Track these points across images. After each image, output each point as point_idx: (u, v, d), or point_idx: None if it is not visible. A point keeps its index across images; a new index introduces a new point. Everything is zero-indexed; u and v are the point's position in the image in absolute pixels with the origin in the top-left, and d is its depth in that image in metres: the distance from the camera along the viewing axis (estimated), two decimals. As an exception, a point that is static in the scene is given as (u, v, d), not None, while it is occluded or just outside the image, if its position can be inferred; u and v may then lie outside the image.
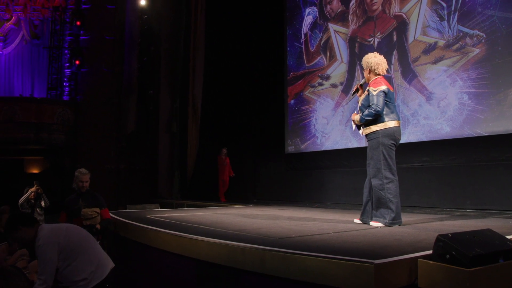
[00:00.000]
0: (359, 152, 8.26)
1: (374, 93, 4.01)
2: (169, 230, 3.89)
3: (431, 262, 2.28)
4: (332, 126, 8.95)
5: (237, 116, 11.21)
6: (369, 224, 4.09)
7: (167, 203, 10.40)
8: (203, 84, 11.95)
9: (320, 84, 9.30)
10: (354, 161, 8.44)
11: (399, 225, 3.99)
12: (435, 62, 7.01)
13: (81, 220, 4.65)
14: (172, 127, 12.45)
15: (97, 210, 4.78)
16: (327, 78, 9.14)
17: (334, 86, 8.99)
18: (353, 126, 4.37)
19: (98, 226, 4.63)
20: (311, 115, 9.45)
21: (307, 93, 9.61)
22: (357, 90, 4.39)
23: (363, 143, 8.18)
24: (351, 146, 8.48)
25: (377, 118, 4.02)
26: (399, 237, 3.25)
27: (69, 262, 2.71)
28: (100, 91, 11.92)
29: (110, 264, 2.91)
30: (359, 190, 8.28)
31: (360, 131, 4.30)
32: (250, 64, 10.96)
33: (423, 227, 3.89)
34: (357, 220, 4.27)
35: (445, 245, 2.30)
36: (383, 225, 3.98)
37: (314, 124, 9.36)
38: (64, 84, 11.93)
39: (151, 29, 12.20)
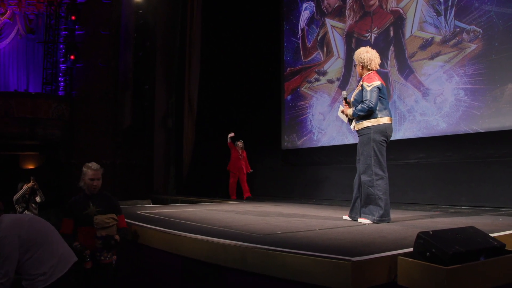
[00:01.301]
0: (356, 148, 8.23)
1: (368, 88, 3.99)
2: (156, 226, 3.90)
3: (410, 259, 2.27)
4: (328, 122, 8.93)
5: (234, 111, 11.19)
6: (357, 220, 4.08)
7: (162, 199, 10.40)
8: (199, 80, 11.92)
9: (317, 80, 9.28)
10: (351, 157, 8.34)
11: (387, 222, 3.96)
12: (432, 57, 6.98)
13: (92, 230, 3.58)
14: (168, 122, 12.44)
15: (114, 216, 3.69)
16: (324, 73, 9.12)
17: (330, 81, 8.96)
18: (344, 118, 4.34)
19: (117, 237, 3.62)
20: (308, 111, 9.43)
21: (303, 88, 9.59)
22: (345, 99, 4.38)
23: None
24: (347, 142, 8.46)
25: (369, 113, 4.00)
26: (385, 234, 3.25)
27: (30, 254, 2.68)
28: (95, 86, 11.91)
29: (73, 258, 2.90)
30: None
31: (351, 126, 4.29)
32: (246, 60, 10.93)
33: (412, 224, 3.88)
34: (346, 217, 4.26)
35: (426, 243, 2.29)
36: (371, 222, 3.98)
37: (311, 120, 9.34)
38: (59, 79, 11.92)
39: (147, 24, 12.18)
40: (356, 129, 4.19)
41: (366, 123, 4.04)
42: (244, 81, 11.00)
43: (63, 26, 11.79)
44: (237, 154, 9.01)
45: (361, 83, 4.13)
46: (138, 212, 5.47)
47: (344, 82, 8.66)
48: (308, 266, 2.33)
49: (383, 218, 3.95)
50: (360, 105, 4.03)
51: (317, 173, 9.04)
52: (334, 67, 8.92)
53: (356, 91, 4.20)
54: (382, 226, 3.79)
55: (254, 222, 4.24)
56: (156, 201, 9.28)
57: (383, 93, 4.06)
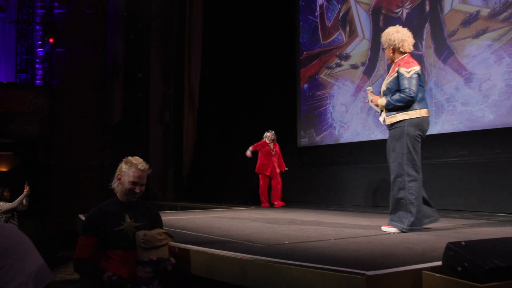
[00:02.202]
0: (384, 145, 8.20)
1: (407, 74, 3.98)
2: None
3: (437, 275, 2.24)
4: (352, 114, 8.89)
5: (242, 104, 11.22)
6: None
7: (158, 206, 10.47)
8: (201, 67, 11.97)
9: (338, 65, 9.26)
10: (379, 156, 8.34)
11: (418, 231, 3.94)
12: (477, 35, 6.90)
13: (129, 253, 2.96)
14: (165, 116, 12.54)
15: (164, 231, 3.06)
16: (347, 57, 9.10)
17: (354, 67, 8.93)
18: (376, 108, 4.34)
19: (173, 260, 3.03)
20: (328, 101, 9.41)
21: (323, 75, 9.57)
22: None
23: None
24: (374, 138, 8.42)
25: (408, 105, 4.02)
26: (411, 245, 3.23)
27: None
28: (79, 75, 12.03)
29: (50, 277, 2.91)
30: (384, 190, 8.37)
31: (381, 118, 4.29)
32: (256, 43, 10.95)
33: (447, 234, 3.85)
34: (388, 229, 4.18)
35: (457, 255, 2.25)
36: (399, 231, 3.95)
37: (331, 112, 9.33)
38: (36, 66, 12.04)
39: (139, 2, 12.26)
40: (387, 122, 4.18)
41: (401, 116, 4.04)
42: (253, 69, 11.02)
43: (40, 4, 11.85)
44: (267, 149, 8.65)
45: (396, 68, 4.11)
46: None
47: (370, 67, 8.62)
48: (315, 281, 2.33)
49: (414, 226, 3.93)
50: (398, 94, 4.02)
51: (339, 175, 9.02)
52: (358, 49, 8.89)
53: (389, 79, 4.19)
54: (410, 235, 3.77)
55: (260, 230, 4.28)
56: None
57: (421, 80, 4.07)
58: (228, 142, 11.31)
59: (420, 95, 4.04)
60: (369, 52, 8.67)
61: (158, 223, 3.20)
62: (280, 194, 8.49)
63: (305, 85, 9.95)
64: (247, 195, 10.91)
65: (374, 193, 8.24)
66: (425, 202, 4.16)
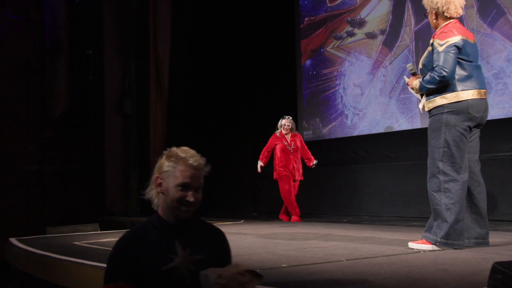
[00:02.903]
0: (413, 137, 8.24)
1: (440, 48, 4.06)
2: (100, 263, 3.93)
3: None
4: (369, 98, 8.90)
5: (225, 89, 11.19)
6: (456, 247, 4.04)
7: (118, 222, 10.47)
8: (171, 40, 11.92)
9: (350, 35, 9.26)
10: (404, 152, 8.40)
11: (458, 248, 3.98)
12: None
13: None
14: (125, 106, 12.46)
15: (245, 268, 2.38)
16: (361, 24, 9.11)
17: (371, 36, 8.95)
18: (416, 94, 4.41)
19: None
20: (337, 82, 9.42)
21: (330, 48, 9.57)
22: (414, 74, 4.43)
23: (419, 123, 8.16)
24: (398, 128, 8.45)
25: (444, 86, 4.08)
26: (447, 266, 3.26)
27: None
28: (6, 52, 11.90)
29: None
30: (414, 195, 8.38)
31: (420, 105, 4.39)
32: (242, 8, 10.92)
33: (494, 252, 3.88)
34: (418, 245, 4.18)
35: (507, 279, 2.26)
36: (431, 249, 3.97)
37: (342, 96, 9.34)
38: None
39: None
40: (426, 109, 4.27)
41: (440, 100, 4.12)
42: (239, 42, 11.00)
43: None
44: (282, 144, 8.30)
45: (431, 41, 4.20)
46: (77, 243, 5.51)
47: (392, 36, 8.65)
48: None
49: (449, 240, 3.97)
50: (429, 74, 4.10)
51: (353, 177, 9.04)
52: (376, 13, 8.91)
53: (425, 54, 4.28)
54: (445, 254, 3.79)
55: (251, 251, 4.29)
56: (109, 225, 9.32)
57: (466, 54, 4.12)
58: (209, 138, 11.29)
59: (463, 72, 4.09)
60: (390, 16, 8.69)
61: (226, 254, 2.58)
62: (295, 203, 8.30)
63: (307, 62, 9.95)
64: (235, 206, 10.89)
65: (400, 200, 8.26)
66: (477, 216, 4.18)
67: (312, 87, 9.83)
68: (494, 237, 4.49)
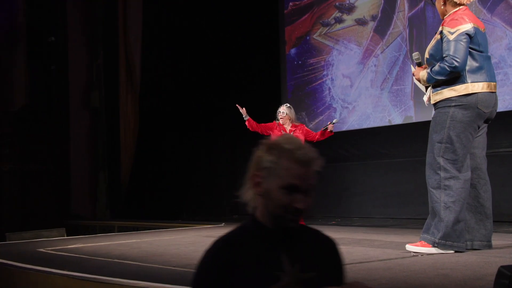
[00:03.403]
0: (407, 133, 8.28)
1: (451, 36, 4.08)
2: (69, 271, 3.93)
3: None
4: (359, 90, 8.93)
5: (203, 81, 11.15)
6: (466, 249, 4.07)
7: (85, 227, 10.43)
8: (143, 28, 11.86)
9: (339, 21, 9.27)
10: (398, 148, 8.43)
11: (458, 250, 4.01)
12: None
13: None
14: (92, 99, 12.39)
15: None
16: (350, 9, 9.13)
17: (361, 23, 8.97)
18: (421, 87, 4.43)
19: None
20: (324, 72, 9.43)
21: (316, 36, 9.58)
22: (420, 64, 4.44)
23: (413, 117, 8.20)
24: (391, 123, 8.49)
25: (454, 77, 4.10)
26: (448, 271, 3.26)
27: None
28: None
29: None
30: (408, 195, 8.41)
31: (425, 98, 4.40)
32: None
33: (498, 255, 3.90)
34: (416, 248, 4.19)
35: (513, 283, 2.28)
36: (430, 248, 3.99)
37: (330, 88, 9.36)
38: None
39: None
40: (432, 101, 4.29)
41: (448, 92, 4.14)
42: (219, 29, 10.95)
43: None
44: (278, 134, 7.81)
45: (440, 28, 4.22)
46: (41, 250, 5.47)
47: (383, 22, 8.67)
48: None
49: (448, 240, 3.99)
50: (439, 64, 4.11)
51: (342, 175, 9.07)
52: (366, -3, 8.95)
53: (432, 42, 4.30)
54: (445, 257, 3.80)
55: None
56: (75, 231, 9.27)
57: (477, 43, 4.14)
58: (184, 134, 11.25)
59: (474, 63, 4.11)
60: (382, 1, 8.72)
61: (341, 271, 2.17)
62: None
63: (292, 50, 9.95)
64: (212, 208, 10.87)
65: (393, 200, 8.30)
66: (482, 216, 4.20)
67: (298, 78, 9.82)
68: (495, 239, 4.51)
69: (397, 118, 8.45)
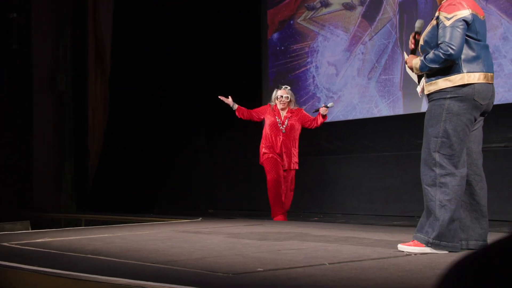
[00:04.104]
0: (395, 125, 8.35)
1: (448, 22, 4.09)
2: (40, 267, 3.89)
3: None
4: (345, 79, 8.99)
5: (178, 67, 11.12)
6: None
7: (50, 220, 10.36)
8: (114, 5, 11.79)
9: (325, 5, 9.31)
10: (385, 141, 8.50)
11: (452, 250, 4.06)
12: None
13: None
14: (58, 82, 12.26)
15: None
16: (337, -8, 9.18)
17: (349, 7, 9.02)
18: (413, 76, 4.47)
19: None
20: (308, 59, 9.48)
21: (301, 20, 9.62)
22: (416, 45, 4.46)
23: (401, 108, 8.26)
24: (378, 114, 8.58)
25: (449, 65, 4.12)
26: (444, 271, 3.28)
27: None
28: None
29: None
30: (394, 191, 8.47)
31: (418, 89, 4.44)
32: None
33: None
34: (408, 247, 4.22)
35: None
36: (424, 248, 4.04)
37: (314, 76, 9.41)
38: None
39: None
40: (426, 92, 4.31)
41: (442, 83, 4.16)
42: (197, 12, 10.92)
43: None
44: (272, 118, 7.71)
45: (436, 14, 4.23)
46: (5, 244, 5.40)
47: (372, 7, 8.73)
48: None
49: (442, 241, 4.04)
50: (433, 51, 4.12)
51: (326, 169, 9.13)
52: (354, -20, 8.99)
53: (428, 28, 4.32)
54: (441, 257, 3.86)
55: (217, 253, 4.32)
56: (40, 224, 9.18)
57: (475, 31, 4.17)
58: (158, 123, 11.23)
59: (470, 52, 4.14)
60: (371, -15, 8.77)
61: None
62: (290, 203, 7.85)
63: (275, 35, 9.98)
64: (187, 203, 10.88)
65: (379, 196, 8.37)
66: (478, 215, 4.27)
67: (280, 65, 9.84)
68: (489, 239, 4.58)
69: (384, 110, 8.52)
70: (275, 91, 7.83)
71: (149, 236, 5.76)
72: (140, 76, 11.51)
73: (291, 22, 9.74)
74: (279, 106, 7.70)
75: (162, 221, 7.81)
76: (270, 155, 7.64)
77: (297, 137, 7.79)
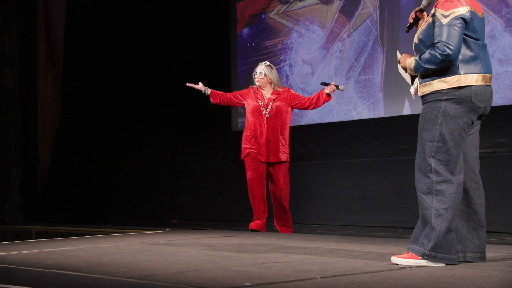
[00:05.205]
0: (375, 129, 8.40)
1: (445, 20, 4.12)
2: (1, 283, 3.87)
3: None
4: (321, 78, 8.95)
5: (138, 63, 11.07)
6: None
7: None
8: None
9: (299, -2, 9.36)
10: (365, 145, 8.56)
11: (450, 263, 4.11)
12: None
13: None
14: (4, 79, 12.14)
15: None
16: (313, -15, 9.22)
17: (325, 1, 9.07)
18: (406, 76, 4.49)
19: None
20: (282, 57, 9.51)
21: (273, 14, 9.64)
22: (415, 21, 4.49)
23: (382, 111, 8.31)
24: (357, 117, 8.64)
25: (445, 66, 4.15)
26: (447, 285, 3.33)
27: None
28: None
29: None
30: (374, 200, 8.50)
31: (412, 90, 4.45)
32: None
33: (497, 268, 4.00)
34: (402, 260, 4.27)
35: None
36: (419, 261, 4.08)
37: (288, 75, 9.44)
38: None
39: None
40: (420, 93, 4.33)
41: (438, 84, 4.19)
42: (158, 4, 10.89)
43: None
44: (255, 102, 7.33)
45: (432, 11, 4.26)
46: None
47: (351, 2, 8.80)
48: None
49: (439, 252, 4.08)
50: (429, 51, 4.15)
51: (300, 176, 9.13)
52: (332, -28, 9.02)
53: (423, 26, 4.34)
54: (439, 271, 3.89)
55: (197, 266, 4.31)
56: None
57: (473, 29, 4.20)
58: (115, 125, 11.17)
59: (468, 52, 4.17)
60: (350, -25, 8.82)
61: None
62: (287, 206, 7.41)
63: (245, 30, 10.01)
64: (147, 212, 10.82)
65: (358, 205, 8.42)
66: (475, 225, 4.31)
67: (250, 62, 9.82)
68: (491, 251, 4.64)
69: (364, 112, 8.57)
70: (254, 72, 7.40)
71: (115, 248, 5.70)
72: (96, 73, 11.45)
73: (263, 16, 9.75)
74: (257, 84, 7.28)
75: (126, 233, 7.75)
76: (249, 150, 7.27)
77: (287, 121, 7.33)
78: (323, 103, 7.23)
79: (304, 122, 9.16)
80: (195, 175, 10.63)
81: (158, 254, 5.18)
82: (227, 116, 10.04)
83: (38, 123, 11.78)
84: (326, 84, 7.12)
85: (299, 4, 9.34)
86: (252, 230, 7.20)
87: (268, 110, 7.20)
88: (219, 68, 10.16)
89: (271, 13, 9.64)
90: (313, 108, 7.37)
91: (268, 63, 7.35)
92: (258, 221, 7.34)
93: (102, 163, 11.28)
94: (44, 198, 11.64)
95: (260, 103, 7.24)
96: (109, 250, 5.64)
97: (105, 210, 10.97)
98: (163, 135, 11.07)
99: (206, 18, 10.43)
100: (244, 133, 7.37)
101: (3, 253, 5.60)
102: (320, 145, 9.10)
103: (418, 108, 7.42)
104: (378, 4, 8.45)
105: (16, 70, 12.23)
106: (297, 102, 7.27)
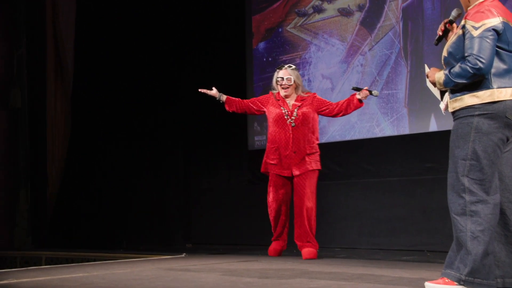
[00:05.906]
0: (399, 146, 8.34)
1: (475, 32, 4.09)
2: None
3: None
4: (342, 94, 8.95)
5: (151, 78, 11.08)
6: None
7: (2, 258, 10.35)
8: (77, 10, 11.78)
9: (318, 10, 9.33)
10: (389, 165, 8.49)
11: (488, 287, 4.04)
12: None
13: None
14: (13, 98, 12.19)
15: None
16: (331, -3, 9.23)
17: (345, 13, 9.04)
18: (435, 91, 4.45)
19: None
20: (300, 72, 9.38)
21: (290, 28, 9.62)
22: (445, 33, 4.47)
23: (407, 127, 8.26)
24: (380, 135, 8.60)
25: (477, 81, 4.11)
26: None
27: None
28: None
29: None
30: (401, 222, 8.41)
31: (442, 105, 4.40)
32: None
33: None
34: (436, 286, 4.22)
35: None
36: (455, 287, 4.02)
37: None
38: None
39: None
40: (450, 109, 4.29)
41: (469, 99, 4.14)
42: (173, 16, 10.93)
43: None
44: (278, 110, 6.99)
45: (462, 22, 4.22)
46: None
47: (372, 13, 8.78)
48: None
49: (478, 278, 4.01)
50: (459, 64, 4.12)
51: (322, 197, 9.02)
52: (352, -17, 9.04)
53: (453, 38, 4.31)
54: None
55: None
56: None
57: (506, 41, 4.16)
58: (126, 143, 11.16)
59: (501, 65, 4.13)
60: (371, -12, 8.83)
61: None
62: (314, 227, 7.11)
63: (261, 44, 9.98)
64: (160, 236, 10.79)
65: (382, 227, 8.34)
66: None
67: (267, 78, 9.74)
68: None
69: (387, 129, 8.51)
70: (275, 73, 7.06)
71: (131, 275, 5.69)
72: (107, 90, 11.45)
73: (280, 30, 9.75)
74: (282, 93, 6.93)
75: (141, 258, 7.73)
76: (272, 162, 7.05)
77: (314, 129, 7.03)
78: (354, 109, 6.92)
79: (324, 140, 9.09)
80: (209, 195, 10.58)
81: (176, 280, 5.17)
82: (241, 132, 10.04)
83: (47, 144, 11.79)
84: (358, 89, 6.84)
85: (317, 17, 9.32)
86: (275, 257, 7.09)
87: (293, 118, 6.86)
88: (235, 84, 10.10)
89: (288, 26, 9.64)
90: (342, 115, 7.01)
91: (293, 66, 7.03)
92: (276, 246, 7.28)
93: (113, 184, 11.25)
94: (53, 222, 11.62)
95: (283, 111, 6.90)
96: (124, 276, 5.64)
97: (116, 234, 10.93)
98: (176, 156, 11.02)
99: (221, 33, 10.43)
100: (268, 146, 7.07)
101: (15, 281, 5.60)
102: (342, 164, 9.02)
103: (445, 124, 7.44)
104: (401, 15, 8.42)
105: (25, 89, 12.28)
106: (325, 108, 6.94)
